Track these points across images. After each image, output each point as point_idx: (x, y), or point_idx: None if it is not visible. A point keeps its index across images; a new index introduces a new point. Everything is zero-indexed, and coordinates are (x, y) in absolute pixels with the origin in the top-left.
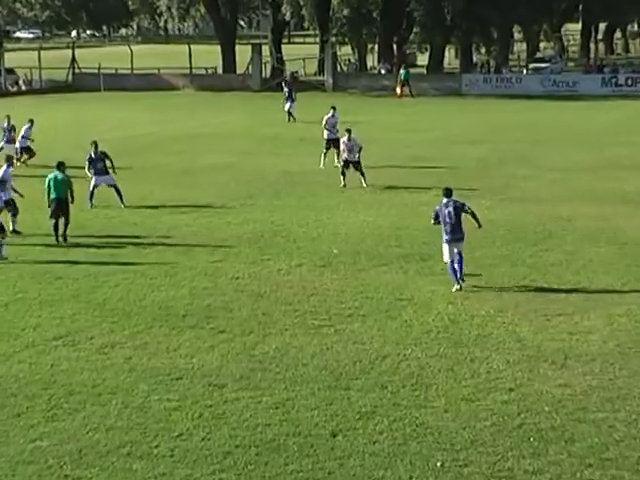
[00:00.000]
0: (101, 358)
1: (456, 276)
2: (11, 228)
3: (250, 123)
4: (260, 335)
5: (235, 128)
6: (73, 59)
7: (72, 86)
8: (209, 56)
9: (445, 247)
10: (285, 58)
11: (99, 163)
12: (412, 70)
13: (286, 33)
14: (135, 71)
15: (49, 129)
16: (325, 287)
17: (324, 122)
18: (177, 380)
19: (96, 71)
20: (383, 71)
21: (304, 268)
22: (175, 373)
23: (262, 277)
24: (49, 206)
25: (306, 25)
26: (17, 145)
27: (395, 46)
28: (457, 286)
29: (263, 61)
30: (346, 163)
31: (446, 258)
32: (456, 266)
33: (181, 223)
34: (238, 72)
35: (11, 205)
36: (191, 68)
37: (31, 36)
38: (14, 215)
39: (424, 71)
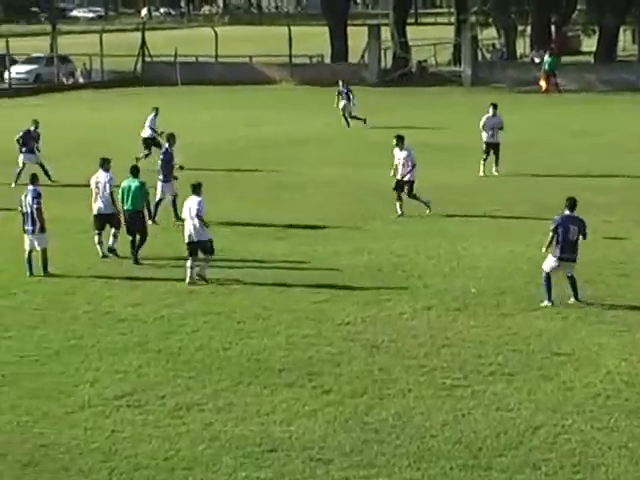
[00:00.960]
0: (174, 423)
1: (549, 292)
2: (110, 246)
3: (363, 126)
4: (375, 397)
5: (344, 132)
6: (143, 44)
7: (141, 78)
8: (314, 41)
9: (551, 260)
10: (411, 43)
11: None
12: (576, 58)
13: (412, 11)
14: (220, 59)
15: (114, 131)
16: (460, 336)
17: (482, 123)
18: (270, 453)
19: (171, 59)
20: (537, 59)
21: (433, 312)
22: (268, 444)
23: (379, 322)
24: (125, 220)
25: (438, 1)
26: (143, 134)
27: (553, 28)
28: (547, 303)
29: (382, 47)
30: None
31: (546, 268)
32: (567, 287)
33: (276, 251)
34: (350, 61)
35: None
36: (291, 56)
37: (91, 15)
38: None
39: (591, 59)
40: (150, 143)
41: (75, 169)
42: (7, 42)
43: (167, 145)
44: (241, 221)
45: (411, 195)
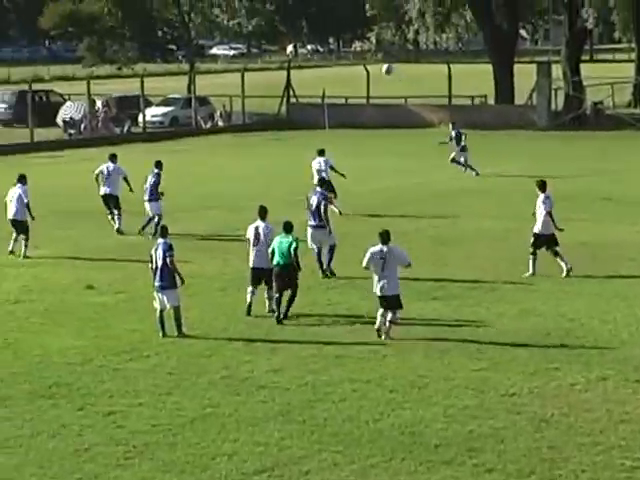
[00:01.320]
0: None
1: None
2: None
3: (532, 175)
4: (545, 478)
5: (511, 182)
6: (288, 84)
7: (286, 121)
8: (476, 80)
9: None
10: (585, 83)
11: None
12: None
13: (587, 47)
14: (372, 100)
15: (258, 179)
16: None
17: None
18: None
19: (319, 100)
20: None
21: (610, 383)
22: None
23: (547, 394)
24: (275, 276)
25: (616, 36)
26: (317, 176)
27: None
28: None
29: (553, 87)
30: None
31: None
32: None
33: (433, 312)
34: (517, 102)
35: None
36: (450, 97)
37: (232, 53)
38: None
39: None
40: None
41: (213, 221)
42: (142, 82)
43: (157, 170)
44: None
45: (551, 249)
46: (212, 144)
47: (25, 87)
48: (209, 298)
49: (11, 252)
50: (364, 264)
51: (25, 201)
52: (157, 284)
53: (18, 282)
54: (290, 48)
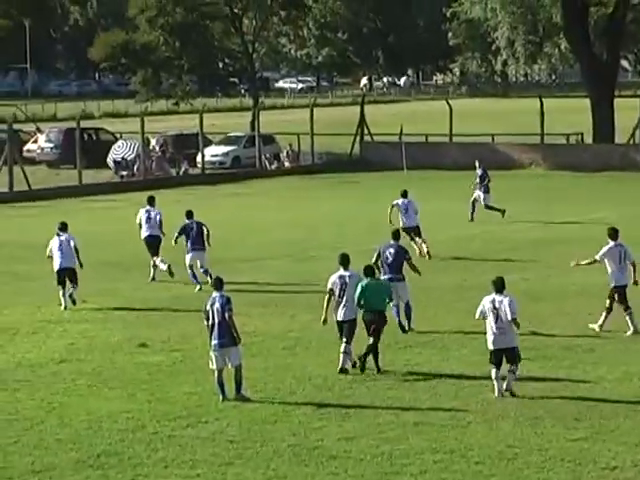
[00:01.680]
0: None
1: None
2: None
3: (636, 223)
4: None
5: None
6: (362, 120)
7: (359, 161)
8: (571, 116)
9: None
10: None
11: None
12: None
13: None
14: (456, 139)
15: (325, 226)
16: None
17: None
18: None
19: (396, 139)
20: None
21: None
22: None
23: None
24: (366, 322)
25: None
26: (407, 223)
27: None
28: None
29: None
30: None
31: None
32: None
33: (523, 374)
34: (618, 141)
35: None
36: (543, 135)
37: (299, 86)
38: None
39: None
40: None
41: (278, 272)
42: (201, 119)
43: (191, 220)
44: (476, 330)
45: (620, 301)
46: (277, 187)
47: (73, 125)
48: (274, 358)
49: (65, 308)
50: (477, 315)
51: (73, 244)
52: (215, 342)
53: (64, 340)
54: (364, 81)
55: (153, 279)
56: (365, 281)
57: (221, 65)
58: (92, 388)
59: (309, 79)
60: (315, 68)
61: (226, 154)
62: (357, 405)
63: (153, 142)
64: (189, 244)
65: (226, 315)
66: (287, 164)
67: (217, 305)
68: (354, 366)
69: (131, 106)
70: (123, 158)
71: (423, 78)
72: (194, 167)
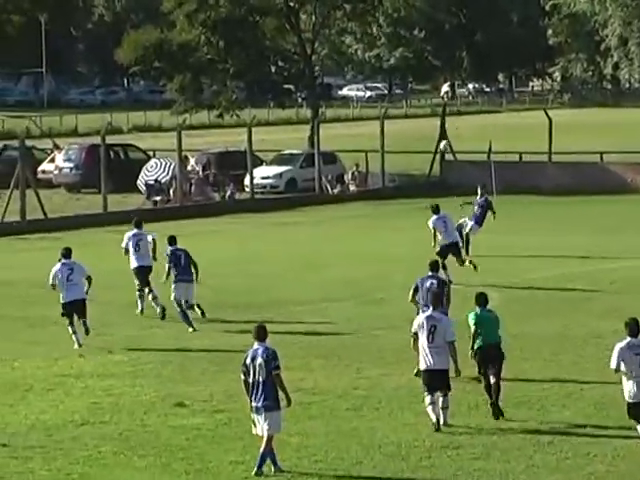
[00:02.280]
0: None
1: None
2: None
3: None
4: None
5: None
6: (442, 135)
7: (439, 184)
8: None
9: None
10: None
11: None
12: None
13: None
14: (555, 157)
15: (397, 261)
16: None
17: None
18: None
19: (483, 157)
20: None
21: None
22: None
23: None
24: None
25: None
26: (448, 239)
27: None
28: None
29: None
30: None
31: None
32: None
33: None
34: None
35: None
36: None
37: (368, 94)
38: None
39: None
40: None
41: (340, 317)
42: (249, 133)
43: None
44: (582, 387)
45: None
46: (340, 215)
47: (97, 140)
48: (337, 421)
49: (81, 355)
50: (613, 365)
51: (85, 272)
52: (257, 404)
53: (85, 398)
54: (445, 88)
55: (142, 311)
56: (478, 312)
57: (274, 69)
58: (119, 456)
59: (379, 86)
60: (386, 72)
61: (279, 176)
62: (437, 479)
63: (192, 161)
64: (177, 275)
65: (273, 372)
66: (352, 187)
67: (259, 360)
68: (437, 429)
69: (166, 118)
70: (156, 180)
71: (517, 84)
72: (241, 191)
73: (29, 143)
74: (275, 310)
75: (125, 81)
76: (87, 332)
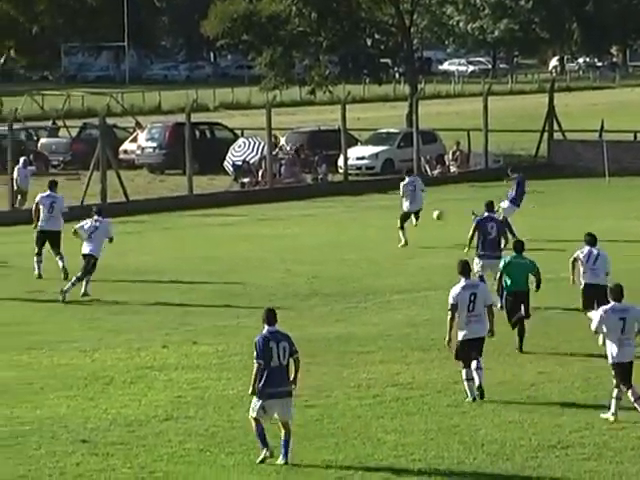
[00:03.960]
0: None
1: None
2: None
3: None
4: None
5: None
6: (551, 113)
7: (546, 165)
8: None
9: None
10: None
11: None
12: None
13: None
14: None
15: None
16: None
17: None
18: None
19: (595, 136)
20: None
21: None
22: None
23: None
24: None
25: None
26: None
27: None
28: None
29: None
30: None
31: None
32: None
33: None
34: None
35: None
36: None
37: (470, 69)
38: None
39: None
40: None
41: (443, 305)
42: (343, 111)
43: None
44: None
45: None
46: (442, 198)
47: (182, 118)
48: (437, 418)
49: (165, 346)
50: (594, 327)
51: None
52: (277, 389)
53: (169, 392)
54: (554, 62)
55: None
56: (509, 259)
57: (369, 42)
58: (204, 453)
59: (482, 60)
60: (490, 45)
61: (375, 156)
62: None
63: (283, 141)
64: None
65: (294, 356)
66: (453, 169)
67: (284, 343)
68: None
69: (255, 95)
70: (245, 161)
71: (631, 58)
72: (334, 172)
73: (110, 121)
74: (371, 299)
75: (211, 55)
76: (64, 299)
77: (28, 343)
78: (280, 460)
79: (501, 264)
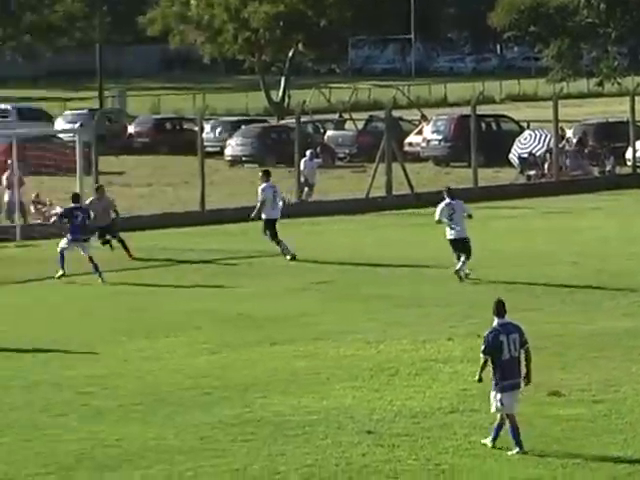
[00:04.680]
0: None
1: None
2: None
3: None
4: None
5: None
6: None
7: None
8: None
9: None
10: None
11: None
12: None
13: None
14: None
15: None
16: None
17: None
18: None
19: None
20: None
21: None
22: None
23: None
24: None
25: None
26: None
27: None
28: None
29: None
30: None
31: None
32: None
33: None
34: None
35: None
36: None
37: None
38: None
39: None
40: None
41: None
42: (632, 102)
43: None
44: None
45: None
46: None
47: (467, 111)
48: None
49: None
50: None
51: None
52: (511, 381)
53: (454, 384)
54: None
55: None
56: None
57: None
58: (491, 448)
59: None
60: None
61: None
62: None
63: (569, 133)
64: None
65: (525, 347)
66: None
67: (515, 335)
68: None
69: (542, 87)
70: (531, 153)
71: None
72: (622, 165)
73: (396, 114)
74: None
75: (498, 47)
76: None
77: (314, 334)
78: (514, 451)
79: None
